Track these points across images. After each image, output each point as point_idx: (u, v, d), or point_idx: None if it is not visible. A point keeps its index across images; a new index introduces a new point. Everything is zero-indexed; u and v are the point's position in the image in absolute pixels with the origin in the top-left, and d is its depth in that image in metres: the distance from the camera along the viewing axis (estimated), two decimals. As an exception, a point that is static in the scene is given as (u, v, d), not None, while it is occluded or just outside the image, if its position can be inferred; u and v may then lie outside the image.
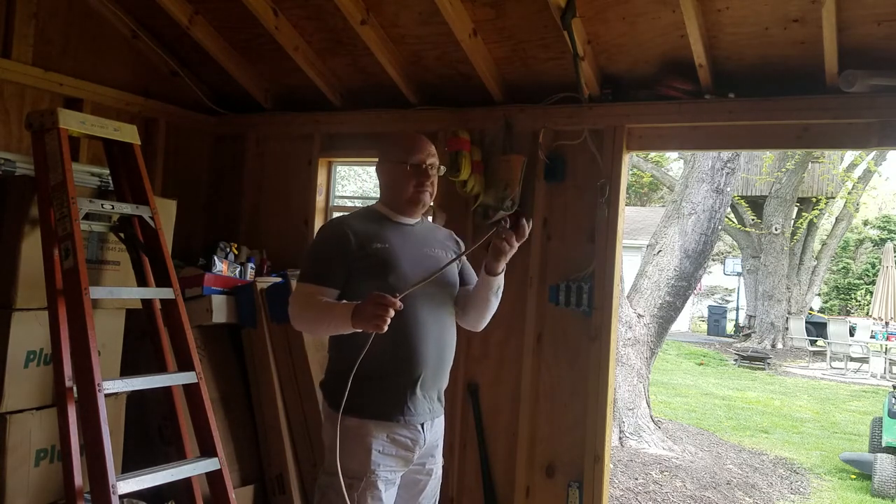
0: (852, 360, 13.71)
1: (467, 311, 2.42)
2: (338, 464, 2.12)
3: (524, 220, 2.23)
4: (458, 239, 2.52)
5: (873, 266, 20.88)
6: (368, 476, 2.17)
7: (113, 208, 2.98)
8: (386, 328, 2.02)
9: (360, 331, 2.08)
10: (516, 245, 2.25)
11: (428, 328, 2.22)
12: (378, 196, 2.45)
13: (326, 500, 2.21)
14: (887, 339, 13.67)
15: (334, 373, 2.30)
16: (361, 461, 2.17)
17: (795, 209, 16.30)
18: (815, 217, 16.52)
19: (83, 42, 3.83)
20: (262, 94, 4.30)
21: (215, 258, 3.83)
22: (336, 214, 4.13)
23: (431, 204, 3.84)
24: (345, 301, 2.16)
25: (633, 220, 18.16)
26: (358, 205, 4.57)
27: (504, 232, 2.22)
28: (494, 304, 2.41)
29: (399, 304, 2.03)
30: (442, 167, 2.41)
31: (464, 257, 2.47)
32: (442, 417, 2.38)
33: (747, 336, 16.66)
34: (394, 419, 2.20)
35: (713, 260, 21.25)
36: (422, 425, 2.25)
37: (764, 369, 13.45)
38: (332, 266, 2.23)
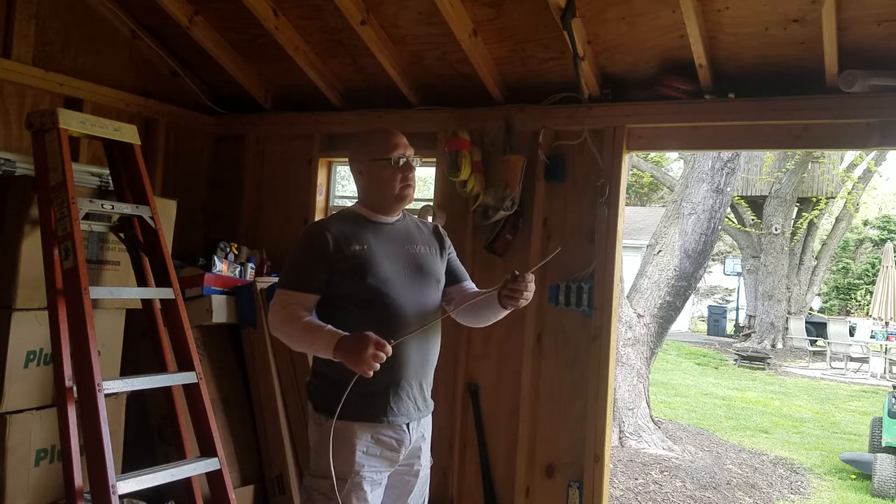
0: (852, 360, 13.71)
1: (468, 316, 2.39)
2: (331, 466, 2.11)
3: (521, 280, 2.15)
4: (444, 233, 2.46)
5: (873, 266, 20.87)
6: (353, 477, 2.15)
7: (113, 208, 2.98)
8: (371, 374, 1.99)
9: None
10: (525, 297, 2.17)
11: (410, 328, 2.17)
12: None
13: (312, 502, 2.19)
14: (887, 339, 13.64)
15: (317, 374, 2.29)
16: (346, 462, 2.15)
17: (795, 209, 16.30)
18: (815, 217, 16.51)
19: (83, 42, 3.83)
20: (262, 94, 4.30)
21: (215, 258, 3.83)
22: (336, 214, 4.13)
23: (430, 204, 3.85)
24: (329, 327, 2.09)
25: (633, 220, 18.16)
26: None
27: (507, 288, 2.16)
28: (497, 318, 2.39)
29: (390, 350, 2.01)
30: (419, 158, 2.34)
31: (453, 253, 2.45)
32: (429, 417, 2.35)
33: (747, 336, 16.66)
34: (378, 420, 2.18)
35: (713, 260, 21.26)
36: (407, 425, 2.23)
37: (764, 369, 13.45)
38: (311, 271, 2.19)
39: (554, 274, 3.53)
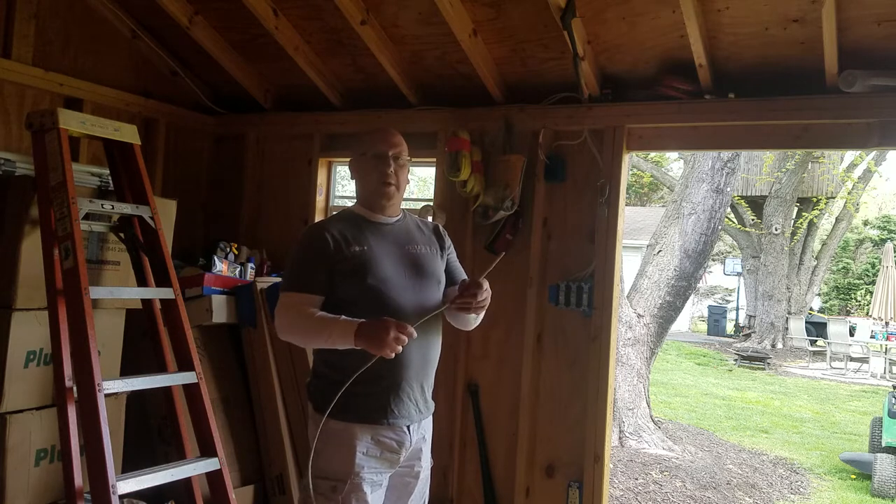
0: (852, 360, 13.71)
1: (454, 319, 2.39)
2: (309, 466, 2.13)
3: (473, 290, 2.16)
4: (444, 233, 2.46)
5: (873, 266, 20.87)
6: (353, 478, 2.15)
7: (113, 208, 2.98)
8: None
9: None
10: (480, 304, 2.18)
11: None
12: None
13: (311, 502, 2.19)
14: (887, 339, 13.65)
15: (317, 375, 2.29)
16: (346, 463, 2.15)
17: (795, 209, 16.30)
18: (815, 217, 16.51)
19: (83, 42, 3.83)
20: (262, 94, 4.30)
21: (215, 258, 3.83)
22: (336, 214, 4.13)
23: (431, 204, 3.85)
24: (344, 317, 2.10)
25: (633, 220, 18.15)
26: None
27: (456, 301, 2.18)
28: (478, 319, 2.40)
29: (414, 333, 2.03)
30: (409, 158, 2.33)
31: (453, 254, 2.45)
32: (430, 418, 2.35)
33: (747, 336, 16.66)
34: (378, 422, 2.18)
35: (713, 260, 21.26)
36: (407, 427, 2.23)
37: (764, 369, 13.45)
38: (314, 272, 2.19)
39: (554, 274, 3.53)
